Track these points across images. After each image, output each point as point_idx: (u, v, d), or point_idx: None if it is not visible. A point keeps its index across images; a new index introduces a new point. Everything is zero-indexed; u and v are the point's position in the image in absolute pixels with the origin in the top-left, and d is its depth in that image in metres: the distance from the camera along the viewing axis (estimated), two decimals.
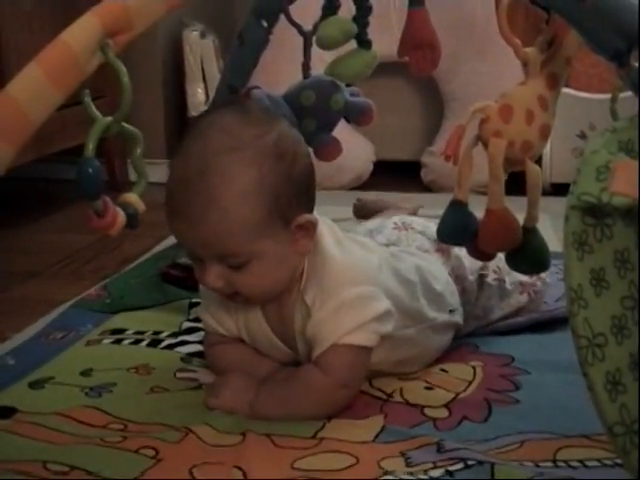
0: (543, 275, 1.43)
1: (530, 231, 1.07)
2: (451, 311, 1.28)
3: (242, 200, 1.06)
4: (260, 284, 1.11)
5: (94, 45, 0.99)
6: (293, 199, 1.09)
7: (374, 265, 1.18)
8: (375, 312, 1.12)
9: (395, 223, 1.38)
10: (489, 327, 1.38)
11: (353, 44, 1.31)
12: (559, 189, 1.97)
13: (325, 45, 1.26)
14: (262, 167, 1.06)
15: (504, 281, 1.37)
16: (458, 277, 1.32)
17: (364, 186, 2.58)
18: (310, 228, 1.11)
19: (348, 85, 1.36)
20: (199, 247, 1.09)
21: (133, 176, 1.19)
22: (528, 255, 1.08)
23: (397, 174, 2.65)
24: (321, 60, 1.38)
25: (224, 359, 1.22)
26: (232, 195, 1.05)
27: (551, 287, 1.48)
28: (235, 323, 1.20)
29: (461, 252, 1.30)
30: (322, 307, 1.11)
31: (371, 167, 2.62)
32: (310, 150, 1.23)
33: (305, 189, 1.11)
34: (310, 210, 1.13)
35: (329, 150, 1.33)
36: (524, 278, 1.41)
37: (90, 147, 1.04)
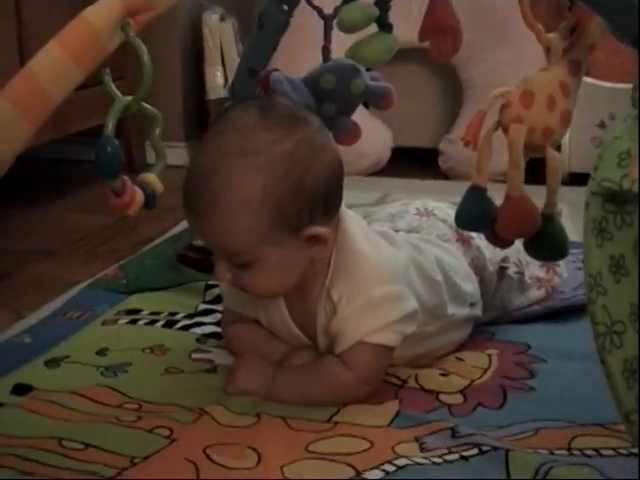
0: (559, 270, 1.43)
1: (549, 218, 1.06)
2: (472, 304, 1.27)
3: (243, 207, 1.04)
4: (264, 285, 1.11)
5: (115, 23, 0.99)
6: (303, 210, 1.06)
7: (402, 263, 1.17)
8: (402, 312, 1.11)
9: (417, 209, 1.36)
10: (506, 316, 1.38)
11: (373, 28, 1.30)
12: (578, 179, 1.96)
13: (346, 28, 1.26)
14: (270, 176, 1.04)
15: (523, 274, 1.37)
16: (478, 267, 1.31)
17: (382, 172, 2.57)
18: (322, 240, 1.09)
19: (368, 69, 1.35)
20: (205, 241, 1.11)
21: (151, 159, 1.19)
22: (546, 242, 1.08)
23: (415, 161, 2.64)
24: (341, 44, 1.38)
25: (240, 338, 1.22)
26: (233, 201, 1.04)
27: (568, 276, 1.47)
28: (254, 306, 1.20)
29: (482, 242, 1.29)
30: (349, 304, 1.11)
31: (389, 153, 2.61)
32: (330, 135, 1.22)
33: (322, 199, 1.08)
34: (329, 218, 1.10)
35: (348, 134, 1.32)
36: (541, 274, 1.40)
37: (109, 126, 1.04)
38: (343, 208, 1.15)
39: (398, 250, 1.19)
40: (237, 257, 1.08)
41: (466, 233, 1.29)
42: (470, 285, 1.28)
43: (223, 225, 1.05)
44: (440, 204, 1.39)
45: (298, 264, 1.10)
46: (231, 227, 1.05)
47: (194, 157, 1.10)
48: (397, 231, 1.29)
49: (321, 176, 1.07)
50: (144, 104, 1.10)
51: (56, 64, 0.95)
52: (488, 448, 0.99)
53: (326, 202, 1.09)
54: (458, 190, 1.14)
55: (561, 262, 1.41)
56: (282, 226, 1.06)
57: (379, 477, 0.95)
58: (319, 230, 1.08)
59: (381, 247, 1.16)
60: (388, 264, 1.14)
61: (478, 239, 1.30)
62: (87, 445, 1.00)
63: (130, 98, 1.06)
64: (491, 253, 1.31)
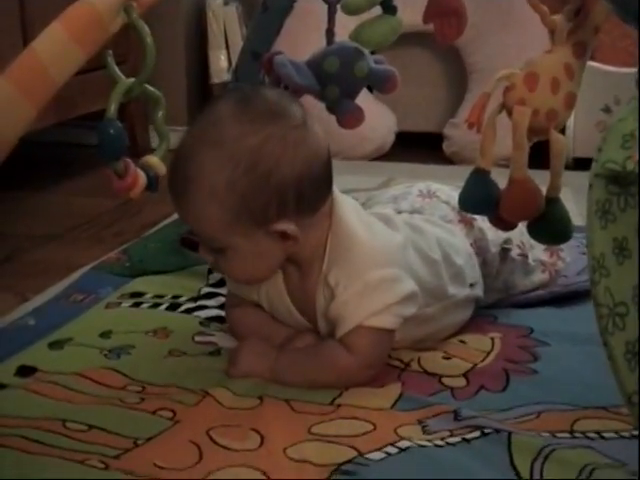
0: (563, 255, 1.43)
1: (552, 201, 1.06)
2: (471, 285, 1.27)
3: (209, 197, 1.07)
4: (239, 271, 1.13)
5: (118, 5, 0.99)
6: (270, 205, 1.07)
7: (399, 245, 1.17)
8: (399, 295, 1.12)
9: (420, 190, 1.36)
10: (509, 300, 1.38)
11: (378, 11, 1.30)
12: (582, 163, 1.95)
13: (350, 10, 1.25)
14: (235, 169, 1.06)
15: (527, 257, 1.37)
16: (480, 249, 1.31)
17: (386, 157, 2.57)
18: (291, 237, 1.10)
19: (372, 53, 1.35)
20: (185, 223, 1.16)
21: (155, 142, 1.19)
22: (550, 225, 1.07)
23: (419, 146, 2.64)
24: (344, 27, 1.37)
25: (243, 322, 1.23)
26: (200, 190, 1.07)
27: (572, 261, 1.47)
28: (257, 291, 1.21)
29: (484, 224, 1.29)
30: (346, 289, 1.11)
31: (393, 138, 2.60)
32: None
33: (293, 195, 1.08)
34: (305, 215, 1.10)
35: (352, 118, 1.31)
36: (545, 257, 1.40)
37: (112, 108, 1.04)
38: (337, 193, 1.16)
39: (396, 231, 1.19)
40: (210, 242, 1.11)
41: (468, 215, 1.29)
42: (470, 265, 1.28)
43: (192, 211, 1.09)
44: (443, 186, 1.39)
45: (271, 256, 1.12)
46: (199, 214, 1.08)
47: (179, 142, 1.12)
48: (400, 212, 1.29)
49: (291, 172, 1.07)
50: (147, 86, 1.10)
51: (58, 45, 0.95)
52: (490, 431, 0.99)
53: (298, 199, 1.09)
54: (462, 175, 1.13)
55: (564, 246, 1.41)
56: (248, 219, 1.07)
57: (381, 458, 0.95)
58: (286, 227, 1.08)
59: (376, 230, 1.17)
60: (383, 247, 1.14)
61: (481, 221, 1.30)
62: (90, 426, 1.01)
63: (133, 80, 1.06)
64: (493, 235, 1.31)
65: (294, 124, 1.09)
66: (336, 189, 1.16)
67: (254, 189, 1.06)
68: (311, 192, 1.10)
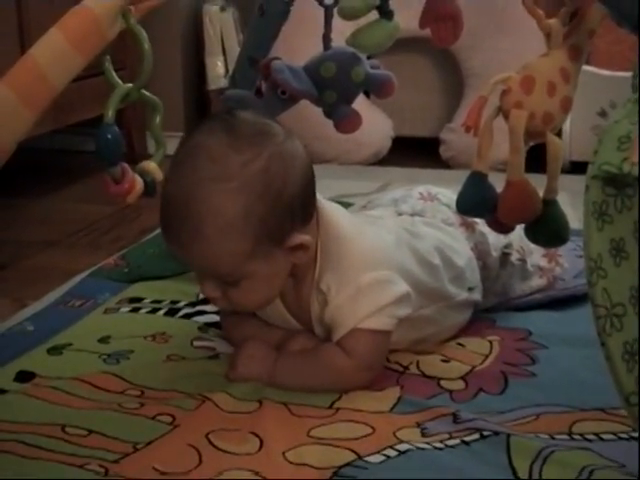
0: (561, 260, 1.43)
1: (550, 203, 1.07)
2: (470, 289, 1.28)
3: (227, 231, 1.05)
4: (253, 299, 1.12)
5: (116, 11, 1.00)
6: (284, 221, 1.08)
7: (390, 246, 1.18)
8: (392, 296, 1.12)
9: (421, 193, 1.36)
10: (507, 303, 1.38)
11: (374, 16, 1.30)
12: (578, 167, 1.96)
13: (347, 15, 1.25)
14: (249, 197, 1.05)
15: (525, 262, 1.37)
16: (481, 253, 1.31)
17: (383, 162, 2.57)
18: (305, 246, 1.10)
19: (369, 57, 1.36)
20: (193, 267, 1.13)
21: (152, 149, 1.20)
22: (547, 227, 1.07)
23: (416, 150, 2.64)
24: (341, 33, 1.38)
25: (238, 328, 1.23)
26: (217, 227, 1.05)
27: (569, 265, 1.47)
28: None
29: (485, 228, 1.29)
30: (339, 293, 1.12)
31: (390, 143, 2.61)
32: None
33: (300, 205, 1.09)
34: (308, 220, 1.12)
35: (349, 122, 1.32)
36: (543, 263, 1.40)
37: (109, 113, 1.04)
38: (322, 200, 1.16)
39: (386, 232, 1.20)
40: (225, 277, 1.09)
41: (470, 218, 1.29)
42: (470, 269, 1.28)
43: (209, 251, 1.06)
44: (443, 190, 1.39)
45: (282, 272, 1.12)
46: (218, 252, 1.06)
47: (166, 186, 1.09)
48: (400, 214, 1.30)
49: (296, 185, 1.09)
50: (145, 92, 1.10)
51: (57, 51, 0.95)
52: (489, 433, 0.99)
53: (304, 207, 1.10)
54: (460, 179, 1.13)
55: (561, 250, 1.41)
56: (267, 240, 1.07)
57: (380, 461, 0.95)
58: (303, 239, 1.09)
59: (365, 233, 1.17)
60: (374, 249, 1.15)
61: (482, 225, 1.30)
62: (90, 431, 1.01)
63: (130, 85, 1.07)
64: (495, 239, 1.31)
65: (282, 138, 1.10)
66: (320, 196, 1.16)
67: (270, 210, 1.06)
68: (310, 197, 1.12)
